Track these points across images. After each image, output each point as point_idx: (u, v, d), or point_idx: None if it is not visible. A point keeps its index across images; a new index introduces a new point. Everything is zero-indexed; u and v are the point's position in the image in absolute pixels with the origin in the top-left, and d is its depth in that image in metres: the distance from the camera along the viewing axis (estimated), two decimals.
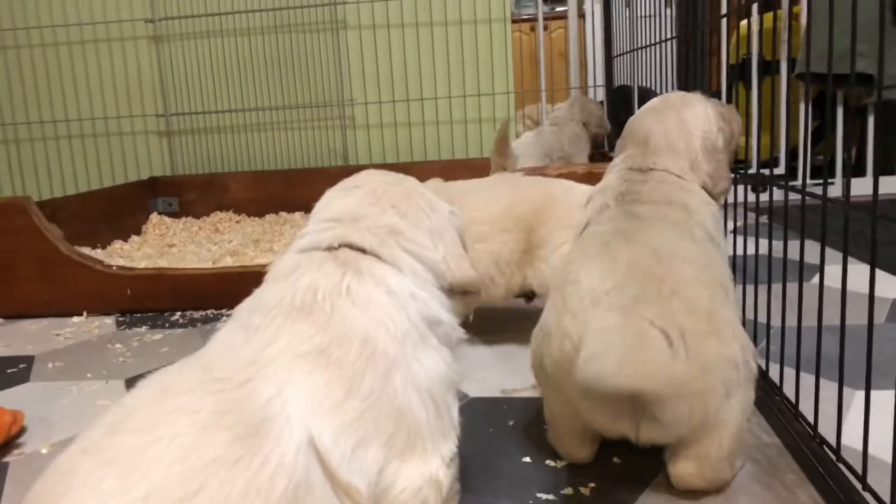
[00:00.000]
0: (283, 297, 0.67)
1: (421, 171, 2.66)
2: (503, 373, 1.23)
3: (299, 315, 0.65)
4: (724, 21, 1.84)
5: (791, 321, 0.96)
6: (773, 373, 1.02)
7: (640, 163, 1.03)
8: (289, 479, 0.57)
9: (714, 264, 0.87)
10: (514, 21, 2.91)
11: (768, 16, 2.96)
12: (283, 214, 2.74)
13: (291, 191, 2.79)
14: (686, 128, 1.06)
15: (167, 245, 2.40)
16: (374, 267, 0.70)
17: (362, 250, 0.71)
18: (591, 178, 1.85)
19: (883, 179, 2.63)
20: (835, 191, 2.57)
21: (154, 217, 2.73)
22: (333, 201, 0.78)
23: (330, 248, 0.71)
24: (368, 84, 2.86)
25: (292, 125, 2.93)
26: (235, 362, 0.62)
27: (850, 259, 0.79)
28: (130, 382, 1.31)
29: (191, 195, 2.83)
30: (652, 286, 0.78)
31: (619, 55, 2.86)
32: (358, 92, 2.87)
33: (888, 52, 2.54)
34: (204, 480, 0.54)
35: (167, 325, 1.67)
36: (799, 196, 0.98)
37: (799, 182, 1.10)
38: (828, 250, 0.84)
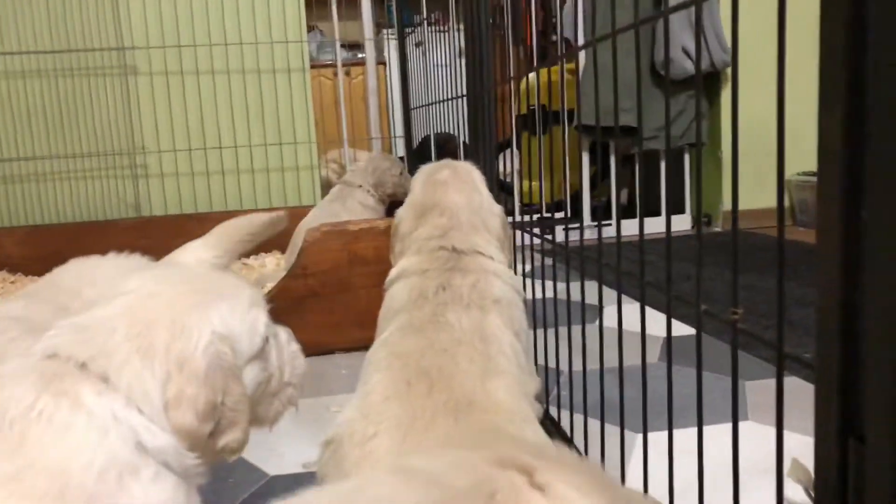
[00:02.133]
0: None
1: (221, 220, 2.58)
2: (305, 443, 1.19)
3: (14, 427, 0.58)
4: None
5: (577, 365, 1.05)
6: (565, 421, 1.10)
7: (461, 243, 1.01)
8: None
9: (516, 381, 0.82)
10: (315, 66, 2.92)
11: (549, 69, 3.23)
12: None
13: (78, 246, 2.56)
14: (491, 206, 1.08)
15: None
16: (75, 385, 0.62)
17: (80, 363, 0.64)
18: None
19: (647, 220, 2.96)
20: (610, 231, 2.84)
21: None
22: (101, 301, 0.69)
23: (46, 357, 0.64)
24: (161, 132, 2.73)
25: (77, 175, 2.72)
26: None
27: (624, 298, 0.88)
28: None
29: None
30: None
31: (416, 108, 2.97)
32: (150, 140, 2.73)
33: (647, 108, 2.87)
34: None
35: None
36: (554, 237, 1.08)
37: (582, 223, 1.21)
38: (612, 291, 0.92)
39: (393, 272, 1.05)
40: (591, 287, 1.03)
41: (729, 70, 2.92)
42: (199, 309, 0.68)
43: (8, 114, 2.65)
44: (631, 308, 0.91)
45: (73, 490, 0.57)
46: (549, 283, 1.33)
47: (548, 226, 1.21)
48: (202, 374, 0.64)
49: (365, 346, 1.63)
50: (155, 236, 2.56)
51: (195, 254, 1.27)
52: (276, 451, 1.18)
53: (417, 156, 3.14)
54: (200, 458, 0.66)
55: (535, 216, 2.82)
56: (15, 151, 2.66)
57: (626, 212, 3.03)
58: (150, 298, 0.68)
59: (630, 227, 2.35)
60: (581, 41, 2.99)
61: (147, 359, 0.64)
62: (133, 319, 0.66)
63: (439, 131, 2.72)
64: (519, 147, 3.19)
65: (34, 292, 0.97)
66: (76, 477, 0.58)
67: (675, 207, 3.06)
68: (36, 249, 2.55)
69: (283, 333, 0.79)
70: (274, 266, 2.50)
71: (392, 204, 3.06)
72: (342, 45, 3.38)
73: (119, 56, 2.68)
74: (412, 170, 3.06)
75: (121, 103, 2.70)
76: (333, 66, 4.85)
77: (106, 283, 0.95)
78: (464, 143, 2.96)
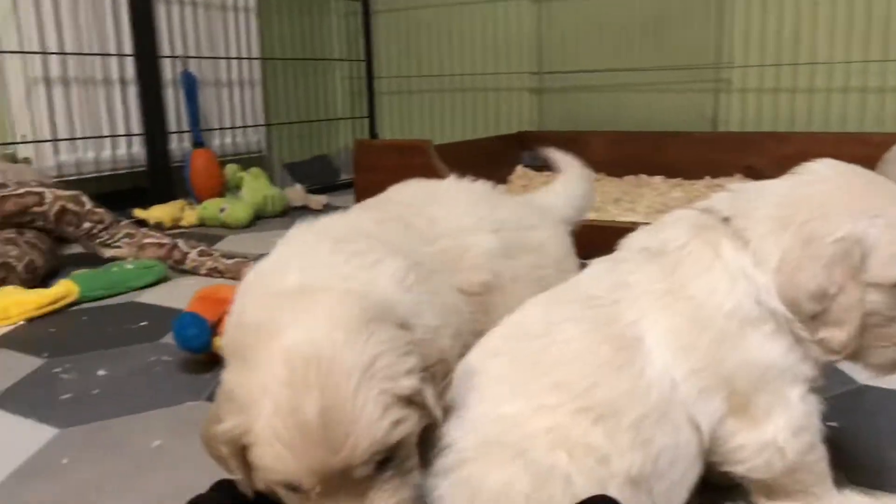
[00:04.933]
0: (645, 242, 0.76)
1: (803, 142, 2.44)
2: None
3: (652, 258, 0.73)
4: None
5: None
6: None
7: None
8: (658, 392, 0.67)
9: None
10: None
11: None
12: (643, 177, 2.71)
13: (652, 153, 2.74)
14: None
15: None
16: (718, 237, 0.72)
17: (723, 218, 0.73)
18: None
19: None
20: None
21: (519, 169, 2.89)
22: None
23: (702, 211, 0.76)
24: (751, 45, 2.66)
25: (660, 86, 2.86)
26: (604, 284, 0.73)
27: None
28: None
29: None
30: None
31: None
32: (739, 53, 2.68)
33: None
34: (598, 378, 0.66)
35: None
36: None
37: None
38: None
39: None
40: None
41: None
42: (861, 208, 0.69)
43: (608, 28, 2.91)
44: None
45: (708, 324, 0.69)
46: None
47: None
48: (823, 259, 0.67)
49: None
50: (728, 151, 2.55)
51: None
52: None
53: None
54: (810, 334, 0.69)
55: None
56: (610, 62, 2.92)
57: None
58: (815, 183, 0.72)
59: None
60: None
61: (779, 228, 0.70)
62: (784, 193, 0.73)
63: None
64: None
65: (374, 207, 0.99)
66: (709, 311, 0.69)
67: None
68: (617, 152, 2.80)
69: None
70: None
71: None
72: None
73: None
74: None
75: (713, 15, 2.71)
76: None
77: (447, 203, 0.99)
78: None
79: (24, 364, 1.24)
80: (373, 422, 0.56)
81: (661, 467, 0.66)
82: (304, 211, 2.69)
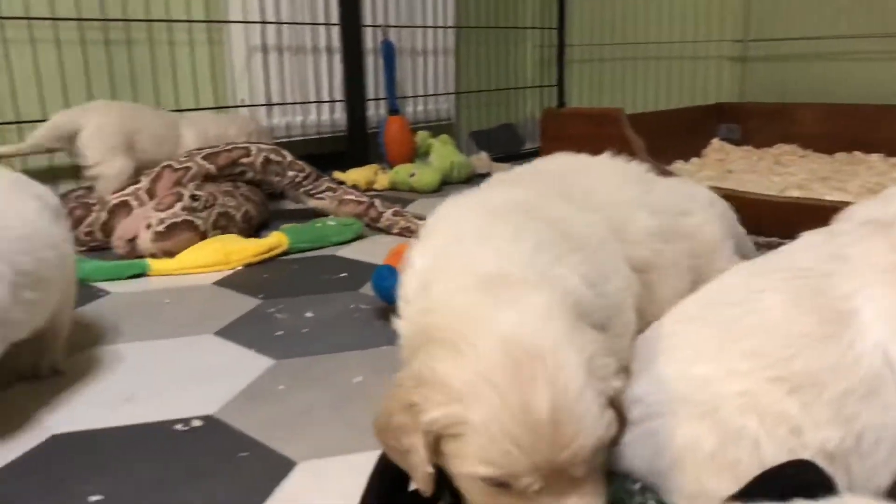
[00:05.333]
0: (872, 213, 0.73)
1: None
2: None
3: (878, 230, 0.70)
4: None
5: None
6: None
7: None
8: (868, 368, 0.63)
9: None
10: None
11: None
12: (857, 154, 2.47)
13: (871, 128, 2.49)
14: None
15: (726, 171, 2.40)
16: None
17: None
18: None
19: None
20: None
21: (715, 142, 2.74)
22: None
23: None
24: None
25: (883, 55, 2.58)
26: (816, 256, 0.71)
27: None
28: None
29: (755, 124, 2.75)
30: None
31: None
32: None
33: None
34: (797, 349, 0.64)
35: None
36: None
37: None
38: None
39: None
40: None
41: None
42: None
43: None
44: None
45: None
46: None
47: None
48: None
49: None
50: None
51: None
52: None
53: None
54: None
55: None
56: (826, 29, 2.67)
57: None
58: None
59: None
60: None
61: None
62: None
63: None
64: None
65: (523, 180, 0.94)
66: None
67: None
68: (828, 126, 2.57)
69: None
70: None
71: None
72: None
73: None
74: None
75: None
76: None
77: (600, 178, 0.95)
78: None
79: (244, 303, 1.39)
80: (596, 421, 0.55)
81: (864, 446, 0.63)
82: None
